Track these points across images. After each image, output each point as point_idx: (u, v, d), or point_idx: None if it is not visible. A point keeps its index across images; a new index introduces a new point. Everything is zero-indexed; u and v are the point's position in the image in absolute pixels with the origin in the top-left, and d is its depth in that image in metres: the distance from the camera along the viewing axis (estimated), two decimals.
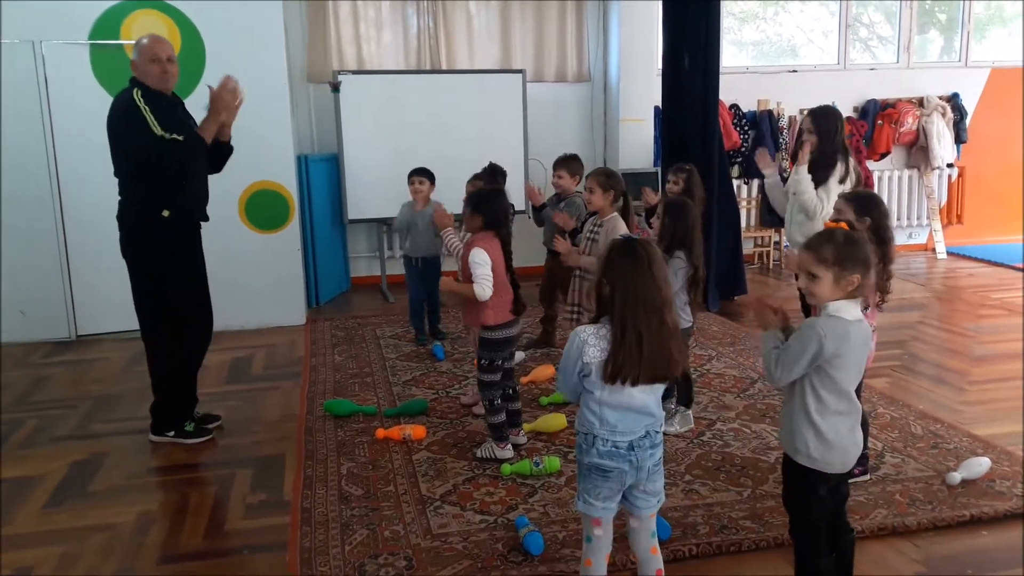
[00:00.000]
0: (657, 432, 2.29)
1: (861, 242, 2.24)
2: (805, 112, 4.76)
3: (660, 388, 2.27)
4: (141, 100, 3.54)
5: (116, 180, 3.74)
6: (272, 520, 3.10)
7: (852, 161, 4.22)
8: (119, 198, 3.73)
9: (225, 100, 3.70)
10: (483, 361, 3.54)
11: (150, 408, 3.92)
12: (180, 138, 3.55)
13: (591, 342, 2.20)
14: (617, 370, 2.15)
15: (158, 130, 3.50)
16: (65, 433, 4.03)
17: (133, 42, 5.24)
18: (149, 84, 3.66)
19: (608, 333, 2.18)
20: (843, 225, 2.28)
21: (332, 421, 4.00)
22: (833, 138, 4.15)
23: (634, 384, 2.17)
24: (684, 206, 3.75)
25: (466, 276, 3.47)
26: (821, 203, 4.03)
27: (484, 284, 3.38)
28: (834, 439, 2.25)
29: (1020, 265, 7.50)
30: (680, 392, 3.86)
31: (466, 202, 3.59)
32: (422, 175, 5.23)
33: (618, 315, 2.16)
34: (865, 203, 3.12)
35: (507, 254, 3.52)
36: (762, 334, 2.36)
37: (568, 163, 5.07)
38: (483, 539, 2.87)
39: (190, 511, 3.20)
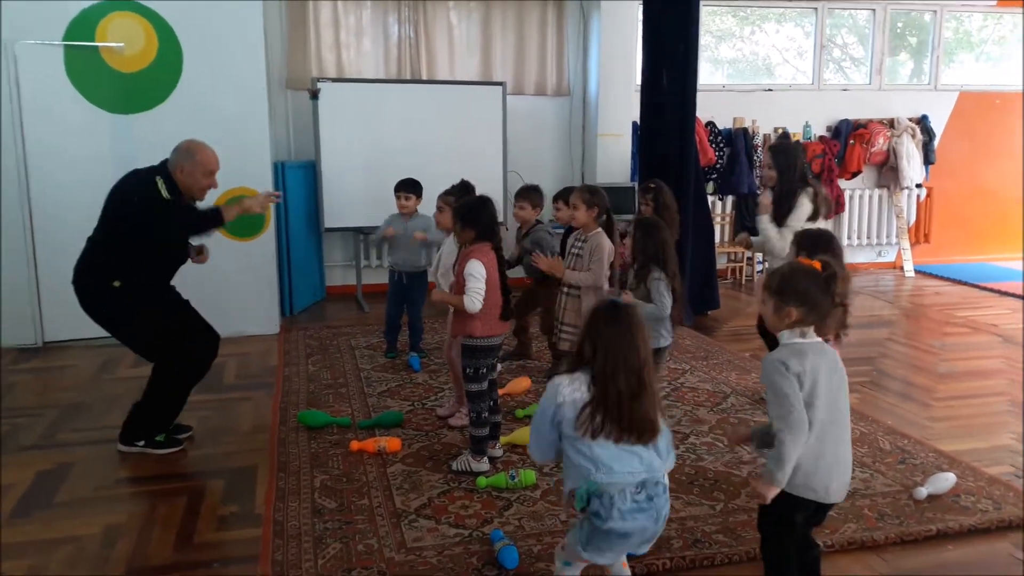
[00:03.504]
0: (664, 477, 2.29)
1: (805, 277, 2.26)
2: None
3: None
4: (163, 187, 3.61)
5: (89, 219, 3.74)
6: (244, 533, 3.06)
7: (818, 190, 4.26)
8: (78, 262, 3.72)
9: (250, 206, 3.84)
10: (468, 370, 3.51)
11: (129, 416, 3.85)
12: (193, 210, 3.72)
13: (565, 383, 2.25)
14: (596, 425, 2.19)
15: (169, 208, 3.59)
16: (31, 442, 3.96)
17: (110, 44, 5.33)
18: (183, 188, 3.70)
19: (583, 377, 2.24)
20: (816, 264, 2.30)
21: (306, 432, 3.97)
22: (792, 174, 4.22)
23: (616, 441, 2.20)
24: (655, 224, 3.79)
25: (459, 285, 3.46)
26: (784, 241, 4.11)
27: (475, 297, 3.37)
28: (816, 464, 2.24)
29: (985, 284, 7.65)
30: None
31: (455, 216, 3.55)
32: (409, 190, 5.12)
33: (600, 377, 2.21)
34: (812, 242, 3.20)
35: (501, 262, 3.51)
36: (752, 436, 2.39)
37: (530, 194, 5.01)
38: (458, 553, 2.86)
39: (159, 523, 3.15)
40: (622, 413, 2.18)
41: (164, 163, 3.71)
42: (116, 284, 3.64)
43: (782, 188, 4.25)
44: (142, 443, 3.82)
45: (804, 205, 4.20)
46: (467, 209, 3.53)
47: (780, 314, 2.26)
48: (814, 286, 2.24)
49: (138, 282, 3.68)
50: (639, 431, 2.21)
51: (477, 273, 3.38)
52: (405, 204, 5.13)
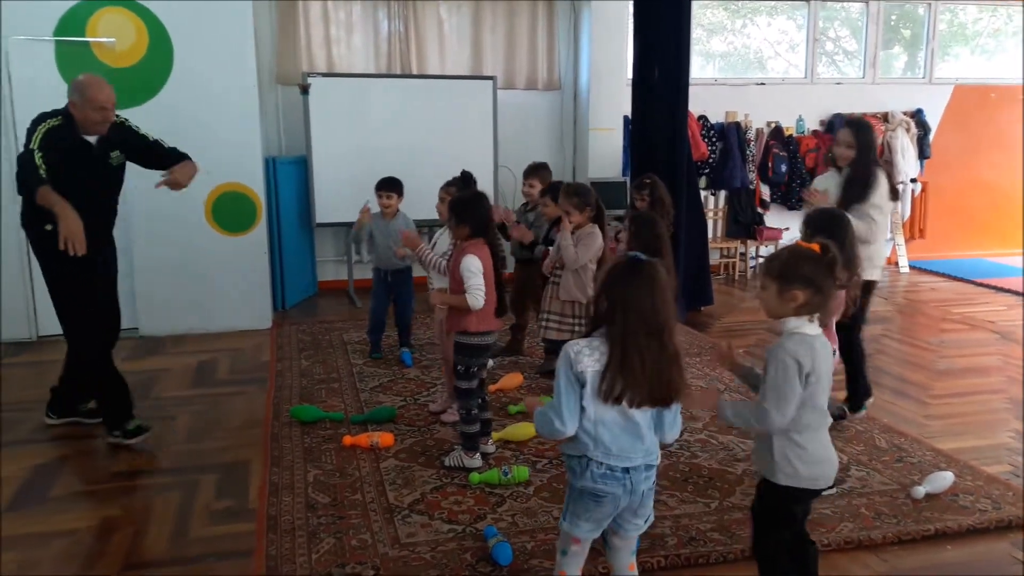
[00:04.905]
0: (655, 459, 2.24)
1: (808, 260, 2.22)
2: (812, 123, 4.10)
3: (651, 411, 2.19)
4: (47, 128, 3.55)
5: None
6: (237, 527, 3.06)
7: (889, 171, 4.01)
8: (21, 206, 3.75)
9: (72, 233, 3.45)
10: (459, 368, 3.49)
11: (95, 403, 3.93)
12: (42, 172, 3.46)
13: (585, 352, 2.13)
14: (616, 390, 2.08)
15: (36, 153, 3.48)
16: (25, 436, 3.94)
17: (100, 40, 5.31)
18: (80, 125, 3.65)
19: (601, 345, 2.13)
20: (814, 246, 2.26)
21: (298, 427, 3.96)
22: (870, 153, 3.96)
23: (637, 407, 2.12)
24: (650, 219, 3.82)
25: (456, 283, 3.43)
26: (872, 220, 3.84)
27: (477, 294, 3.35)
28: (818, 454, 2.25)
29: (982, 280, 7.65)
30: None
31: (449, 211, 3.52)
32: (390, 189, 5.03)
33: (618, 335, 2.09)
34: (822, 224, 3.16)
35: (496, 258, 3.49)
36: (720, 408, 2.30)
37: (539, 171, 5.11)
38: (451, 549, 2.85)
39: (154, 517, 3.15)
40: (645, 375, 2.07)
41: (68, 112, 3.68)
42: (48, 228, 3.56)
43: (858, 168, 3.93)
44: (118, 433, 3.84)
45: (883, 183, 3.90)
46: (462, 204, 3.50)
47: (784, 298, 2.21)
48: (818, 268, 2.20)
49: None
50: (658, 396, 2.12)
51: (474, 268, 3.36)
52: (387, 203, 5.03)
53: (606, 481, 2.16)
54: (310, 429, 3.94)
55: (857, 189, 3.88)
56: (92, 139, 3.73)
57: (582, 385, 2.13)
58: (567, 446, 2.22)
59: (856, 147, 3.92)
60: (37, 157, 3.48)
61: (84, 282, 3.72)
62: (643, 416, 2.17)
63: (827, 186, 4.05)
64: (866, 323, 4.06)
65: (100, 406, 3.93)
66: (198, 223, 5.66)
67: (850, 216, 3.73)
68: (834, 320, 3.12)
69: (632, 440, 2.17)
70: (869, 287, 3.93)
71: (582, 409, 2.14)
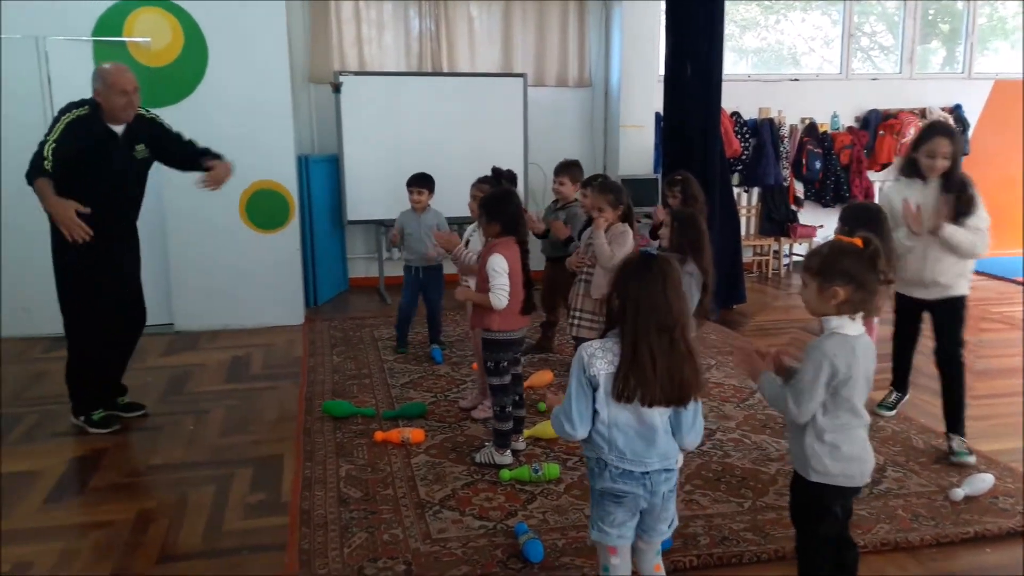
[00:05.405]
0: (674, 463, 2.22)
1: (848, 255, 2.16)
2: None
3: (668, 412, 2.16)
4: (71, 119, 3.61)
5: None
6: (271, 521, 3.09)
7: None
8: None
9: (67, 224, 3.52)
10: (489, 364, 3.51)
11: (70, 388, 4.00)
12: (48, 167, 3.52)
13: (598, 355, 2.11)
14: (627, 389, 2.06)
15: (49, 144, 3.55)
16: (64, 429, 4.01)
17: (137, 40, 5.37)
18: (107, 113, 3.70)
19: (614, 346, 2.11)
20: (856, 240, 2.19)
21: (331, 422, 3.99)
22: (960, 161, 3.67)
23: (649, 406, 2.09)
24: (692, 216, 3.78)
25: (482, 281, 3.44)
26: (982, 233, 3.58)
27: (500, 294, 3.35)
28: (851, 452, 2.21)
29: (1021, 279, 7.50)
30: None
31: (480, 209, 3.54)
32: (421, 185, 5.06)
33: (629, 332, 2.07)
34: (855, 217, 3.08)
35: (524, 255, 3.49)
36: (760, 380, 2.28)
37: (570, 169, 5.07)
38: (482, 545, 2.85)
39: (188, 510, 3.19)
40: (655, 374, 2.04)
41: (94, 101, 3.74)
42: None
43: (958, 179, 3.60)
44: (81, 419, 3.93)
45: (978, 193, 3.62)
46: (492, 202, 3.51)
47: (825, 295, 2.16)
48: (859, 263, 2.14)
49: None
50: (671, 395, 2.08)
51: (500, 268, 3.36)
52: (417, 199, 5.05)
53: (625, 480, 2.14)
54: (342, 424, 3.97)
55: (965, 203, 3.57)
56: (118, 130, 3.77)
57: (595, 388, 2.12)
58: (586, 448, 2.21)
59: (952, 157, 3.60)
60: (47, 149, 3.54)
61: (88, 279, 3.79)
62: (659, 418, 2.14)
63: (912, 198, 3.64)
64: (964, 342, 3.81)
65: (69, 387, 3.98)
66: (232, 221, 5.73)
67: (958, 229, 3.52)
68: (876, 319, 3.06)
69: (646, 445, 2.14)
70: (963, 302, 3.78)
71: (596, 412, 2.13)
